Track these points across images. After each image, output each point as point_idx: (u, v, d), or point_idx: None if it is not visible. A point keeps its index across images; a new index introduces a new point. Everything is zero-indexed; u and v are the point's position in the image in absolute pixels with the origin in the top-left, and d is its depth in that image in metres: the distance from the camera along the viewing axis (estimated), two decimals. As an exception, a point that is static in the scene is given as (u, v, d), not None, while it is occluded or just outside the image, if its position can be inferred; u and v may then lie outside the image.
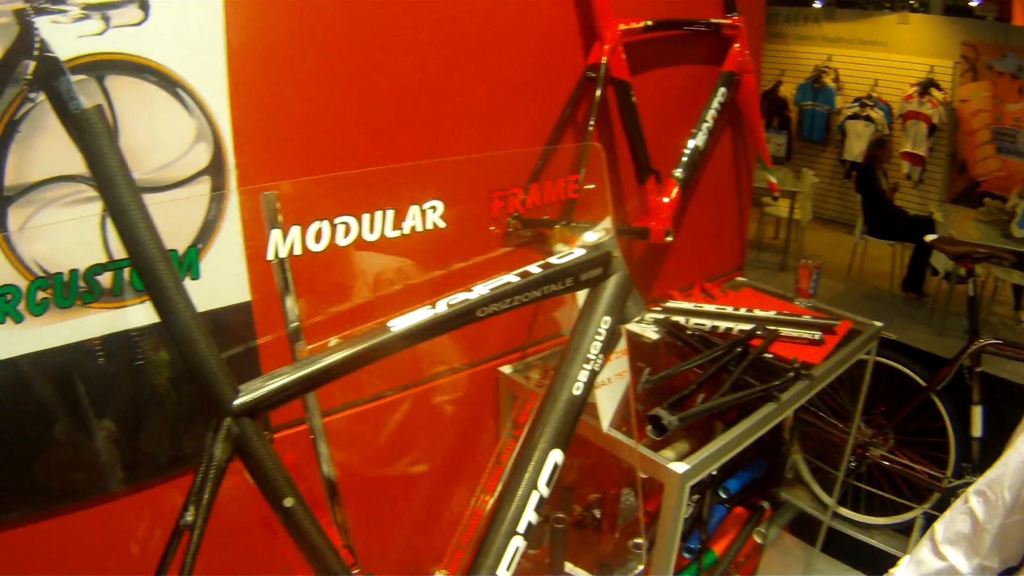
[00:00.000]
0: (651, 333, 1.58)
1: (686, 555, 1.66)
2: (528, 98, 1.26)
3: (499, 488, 1.09)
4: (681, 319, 1.69)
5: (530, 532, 0.89)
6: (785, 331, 1.69)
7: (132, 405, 1.02)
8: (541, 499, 0.91)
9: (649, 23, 1.41)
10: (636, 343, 1.54)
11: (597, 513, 1.47)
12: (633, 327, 1.56)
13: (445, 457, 1.24)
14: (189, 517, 0.78)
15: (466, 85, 1.20)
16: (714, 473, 1.46)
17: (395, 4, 1.12)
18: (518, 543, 0.89)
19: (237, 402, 0.76)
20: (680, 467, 1.25)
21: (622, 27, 1.37)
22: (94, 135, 0.74)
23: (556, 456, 0.94)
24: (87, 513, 1.03)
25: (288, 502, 0.80)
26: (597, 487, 1.48)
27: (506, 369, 1.29)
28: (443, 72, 1.17)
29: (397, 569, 1.19)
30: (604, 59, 1.32)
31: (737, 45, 1.79)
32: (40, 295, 0.94)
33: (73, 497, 1.02)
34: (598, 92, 1.30)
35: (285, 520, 0.82)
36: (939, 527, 1.13)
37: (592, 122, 1.28)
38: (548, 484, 0.92)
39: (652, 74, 1.51)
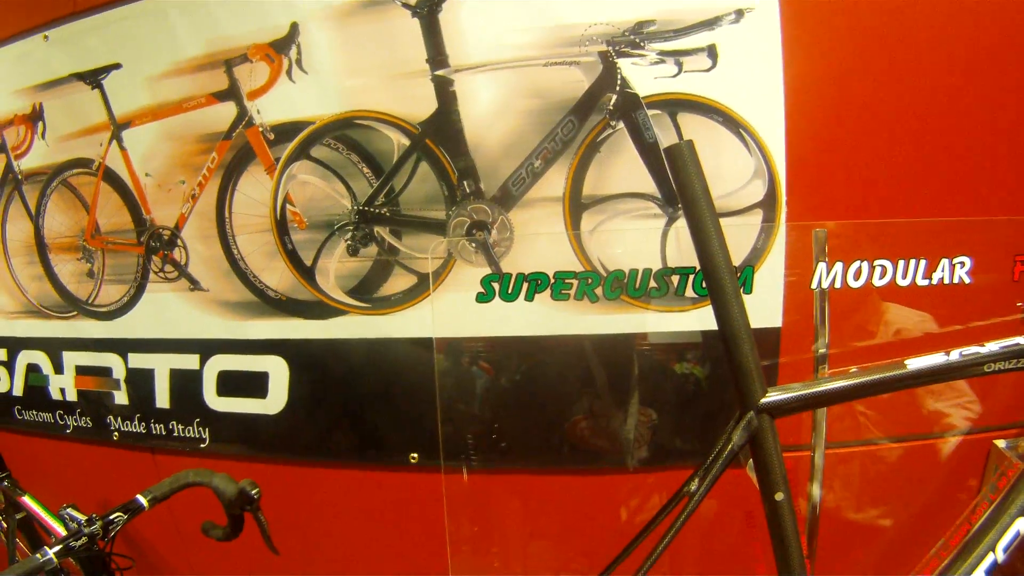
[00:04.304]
0: None
1: None
2: None
3: (959, 545, 1.09)
4: None
5: None
6: None
7: (654, 401, 1.19)
8: (995, 563, 0.90)
9: None
10: None
11: None
12: None
13: (917, 511, 1.26)
14: (693, 486, 0.92)
15: (1004, 142, 1.22)
16: None
17: (942, 71, 1.16)
18: None
19: (763, 400, 0.89)
20: None
21: None
22: (684, 163, 0.89)
23: (1022, 525, 0.92)
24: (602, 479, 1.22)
25: (779, 496, 0.90)
26: None
27: (1000, 443, 1.29)
28: (982, 129, 1.19)
29: (841, 597, 1.25)
30: None
31: None
32: (616, 284, 1.13)
33: (596, 461, 1.22)
34: None
35: (770, 512, 0.91)
36: None
37: None
38: (1006, 551, 0.90)
39: None
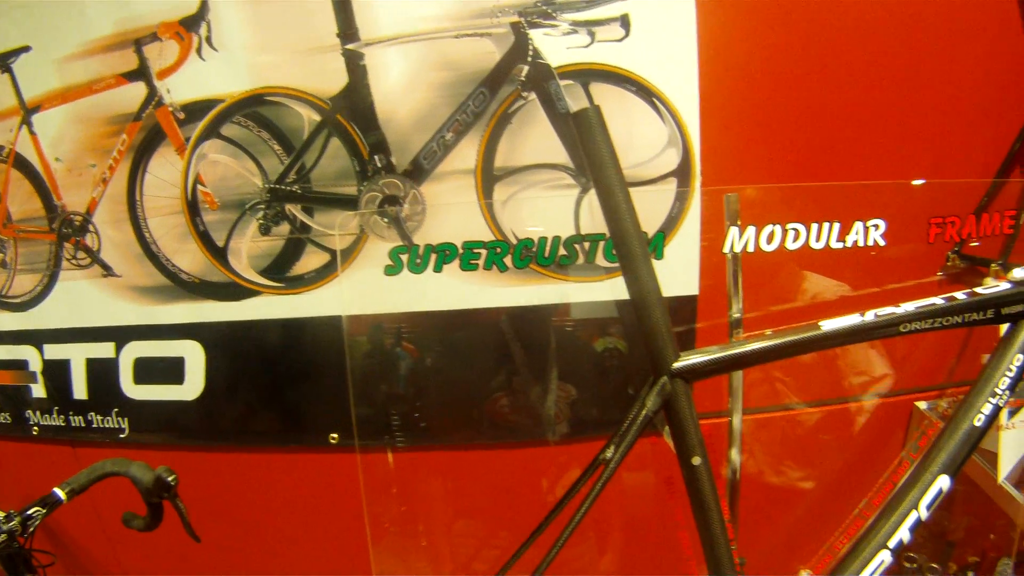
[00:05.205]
0: (1080, 394, 1.47)
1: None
2: (977, 129, 1.27)
3: (883, 504, 1.11)
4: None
5: (899, 550, 0.90)
6: None
7: (571, 372, 1.18)
8: (918, 520, 0.91)
9: (1106, 54, 1.32)
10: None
11: (971, 575, 1.43)
12: (1059, 386, 1.48)
13: (839, 472, 1.28)
14: (608, 453, 0.92)
15: (918, 108, 1.24)
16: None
17: (856, 38, 1.17)
18: (885, 557, 0.90)
19: (676, 365, 0.89)
20: (1063, 536, 1.17)
21: (1075, 60, 1.30)
22: (591, 128, 0.88)
23: (943, 482, 0.93)
24: (514, 452, 1.22)
25: (696, 460, 0.90)
26: (978, 550, 1.43)
27: (921, 404, 1.31)
28: (897, 94, 1.21)
29: (766, 559, 1.26)
30: (1060, 91, 1.27)
31: None
32: (524, 252, 1.12)
33: (512, 435, 1.21)
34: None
35: (688, 476, 0.91)
36: None
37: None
38: (929, 508, 0.92)
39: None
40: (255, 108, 1.23)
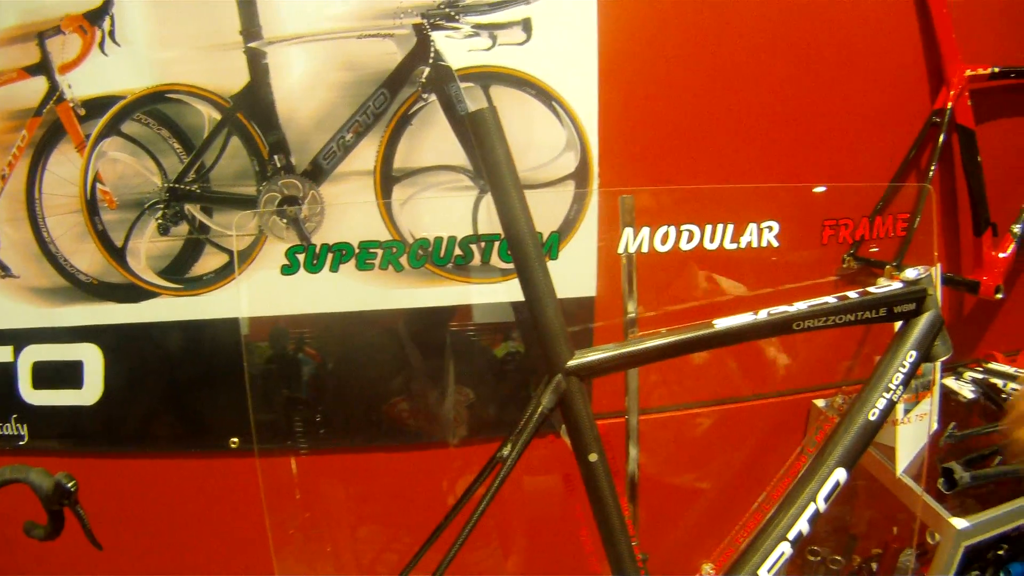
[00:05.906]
0: (968, 392, 1.52)
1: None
2: (872, 136, 1.29)
3: (782, 497, 1.13)
4: (999, 382, 1.58)
5: (799, 542, 0.92)
6: (1104, 404, 1.56)
7: (470, 374, 1.18)
8: (816, 512, 0.93)
9: (995, 70, 1.35)
10: (951, 401, 1.50)
11: (874, 566, 1.47)
12: (950, 383, 1.52)
13: (740, 469, 1.30)
14: (505, 451, 0.92)
15: (813, 116, 1.26)
16: (1000, 553, 1.37)
17: (756, 43, 1.19)
18: (785, 549, 0.92)
19: (571, 363, 0.89)
20: (960, 523, 1.19)
21: (968, 72, 1.32)
22: (487, 129, 0.89)
23: (840, 475, 0.96)
24: (415, 454, 1.21)
25: (592, 457, 0.90)
26: (881, 543, 1.47)
27: (819, 402, 1.34)
28: (792, 101, 1.23)
29: (669, 555, 1.27)
30: (949, 104, 1.31)
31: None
32: (420, 252, 1.12)
33: (411, 438, 1.20)
34: (941, 138, 1.30)
35: (586, 473, 0.91)
36: None
37: (933, 167, 1.29)
38: (827, 500, 0.94)
39: (998, 124, 1.45)
40: (156, 105, 1.20)
